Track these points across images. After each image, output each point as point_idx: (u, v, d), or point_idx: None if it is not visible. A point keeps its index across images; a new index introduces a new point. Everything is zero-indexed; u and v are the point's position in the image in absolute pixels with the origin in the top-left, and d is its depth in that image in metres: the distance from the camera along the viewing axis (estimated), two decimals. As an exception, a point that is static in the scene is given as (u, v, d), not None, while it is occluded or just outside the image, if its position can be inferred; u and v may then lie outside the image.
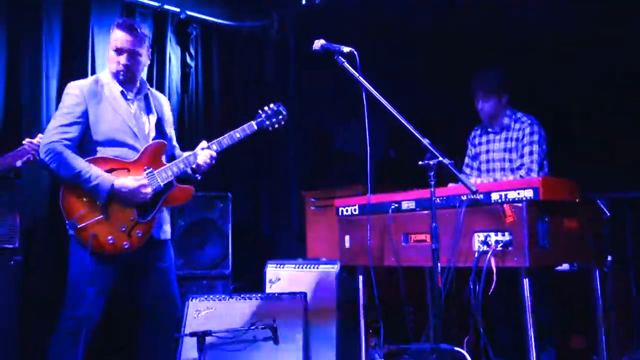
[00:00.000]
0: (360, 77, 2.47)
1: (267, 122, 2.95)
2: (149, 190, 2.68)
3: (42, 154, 2.64)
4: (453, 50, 4.50)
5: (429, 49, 4.68)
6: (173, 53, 4.86)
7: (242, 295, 3.33)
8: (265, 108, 2.97)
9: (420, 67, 4.81)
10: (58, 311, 2.69)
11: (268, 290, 3.76)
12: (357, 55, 2.48)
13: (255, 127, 2.92)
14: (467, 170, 3.67)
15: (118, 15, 4.42)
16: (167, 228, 2.90)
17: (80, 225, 2.61)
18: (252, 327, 3.12)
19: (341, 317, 3.48)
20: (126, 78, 2.78)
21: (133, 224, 2.68)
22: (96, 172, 2.62)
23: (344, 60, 2.51)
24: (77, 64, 4.16)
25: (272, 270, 3.80)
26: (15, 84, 3.94)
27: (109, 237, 2.63)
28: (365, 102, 2.45)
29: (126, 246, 2.66)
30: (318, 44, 2.56)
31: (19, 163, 2.93)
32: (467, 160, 3.70)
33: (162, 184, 2.75)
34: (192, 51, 4.96)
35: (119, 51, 2.75)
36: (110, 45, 2.78)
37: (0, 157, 2.88)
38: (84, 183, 2.60)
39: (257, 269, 3.91)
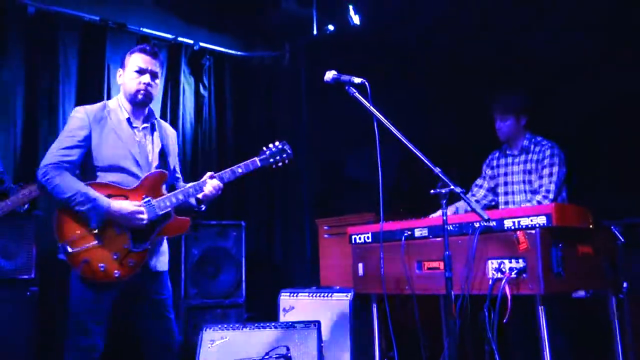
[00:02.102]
0: (372, 107, 2.51)
1: (271, 160, 2.94)
2: (145, 216, 2.65)
3: (40, 174, 2.61)
4: (465, 79, 4.55)
5: (441, 76, 4.73)
6: (187, 84, 4.96)
7: (256, 325, 3.33)
8: (270, 145, 2.96)
9: (432, 94, 4.86)
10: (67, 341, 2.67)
11: (282, 319, 3.75)
12: (368, 86, 2.52)
13: (259, 164, 2.92)
14: (475, 189, 3.68)
15: (133, 48, 4.53)
16: (164, 259, 2.85)
17: (72, 250, 2.56)
18: (266, 357, 3.11)
19: (355, 346, 3.46)
20: (145, 98, 2.78)
21: (125, 252, 2.64)
22: (93, 195, 2.58)
23: (355, 91, 2.56)
24: (93, 97, 4.23)
25: (286, 299, 3.80)
26: (34, 118, 4.05)
27: (100, 265, 2.58)
28: (376, 132, 2.49)
29: (117, 275, 2.60)
30: (330, 75, 2.61)
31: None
32: (478, 180, 3.71)
33: (159, 213, 2.71)
34: (206, 82, 5.06)
35: (142, 72, 2.77)
36: (129, 68, 2.79)
37: (20, 189, 2.90)
38: (79, 205, 2.55)
39: (271, 297, 3.91)
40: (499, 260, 2.47)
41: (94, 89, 4.32)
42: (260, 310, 4.27)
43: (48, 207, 3.78)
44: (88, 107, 2.79)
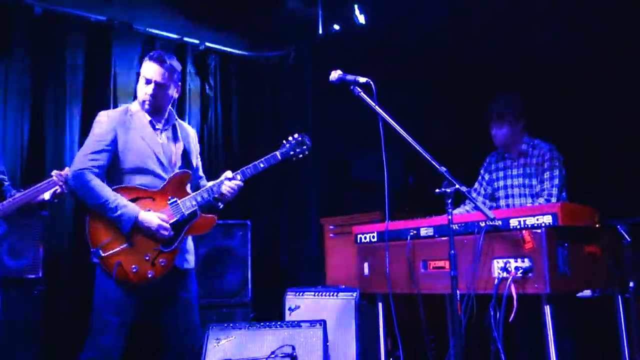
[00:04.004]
0: (377, 107, 2.51)
1: (292, 153, 3.00)
2: (167, 233, 2.71)
3: (71, 180, 2.70)
4: (466, 80, 4.54)
5: (442, 78, 4.73)
6: (193, 83, 4.98)
7: (261, 324, 3.35)
8: (290, 138, 3.02)
9: (434, 95, 4.86)
10: (81, 339, 2.71)
11: (288, 318, 3.77)
12: (373, 86, 2.52)
13: (279, 158, 2.97)
14: (474, 194, 3.66)
15: (139, 49, 4.56)
16: (191, 258, 2.92)
17: (105, 254, 2.64)
18: (272, 356, 3.12)
19: (361, 345, 3.46)
20: (151, 107, 2.83)
21: (157, 253, 2.71)
22: (122, 202, 2.65)
23: (360, 91, 2.56)
24: (99, 99, 4.28)
25: (291, 298, 3.81)
26: (41, 119, 4.08)
27: (133, 266, 2.66)
28: (382, 131, 2.49)
29: (150, 275, 2.68)
30: (335, 75, 2.62)
31: (47, 196, 2.94)
32: (476, 185, 3.69)
33: (185, 213, 2.78)
34: (211, 81, 5.08)
35: (147, 81, 2.82)
36: (142, 75, 2.84)
37: (28, 190, 2.91)
38: (109, 212, 2.64)
39: (277, 296, 3.92)
40: (504, 260, 2.47)
41: (100, 89, 4.34)
42: (266, 310, 4.28)
43: (57, 207, 3.82)
44: (111, 111, 2.90)
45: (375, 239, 3.05)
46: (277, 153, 2.98)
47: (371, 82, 2.53)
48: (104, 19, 4.42)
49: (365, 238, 3.09)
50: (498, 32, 4.22)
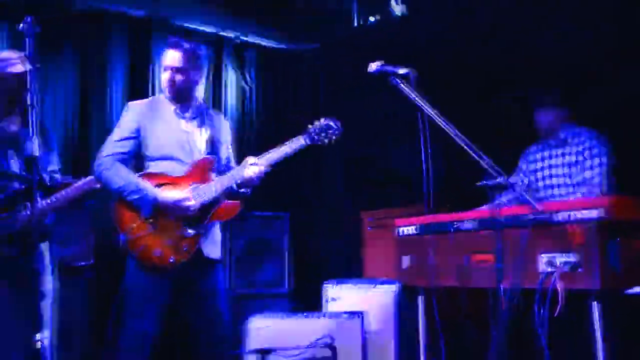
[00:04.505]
0: (417, 98, 2.48)
1: (316, 137, 2.89)
2: (192, 203, 2.72)
3: (95, 166, 2.78)
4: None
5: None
6: (230, 77, 5.03)
7: (301, 314, 3.37)
8: (315, 122, 2.93)
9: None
10: (121, 326, 2.76)
11: (326, 309, 3.78)
12: (412, 77, 2.49)
13: (303, 141, 2.87)
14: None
15: (178, 43, 4.62)
16: (217, 248, 2.90)
17: (130, 238, 2.70)
18: (311, 346, 3.15)
19: (400, 338, 3.45)
20: (173, 94, 2.84)
21: (179, 238, 2.72)
22: (142, 185, 2.70)
23: (400, 81, 2.53)
24: (140, 91, 4.36)
25: (330, 290, 3.82)
26: (86, 114, 4.22)
27: (156, 250, 2.69)
28: (422, 123, 2.46)
29: (171, 260, 2.69)
30: (374, 66, 2.59)
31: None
32: (513, 176, 3.61)
33: (208, 199, 2.78)
34: (248, 75, 5.11)
35: (165, 69, 2.85)
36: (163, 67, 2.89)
37: (75, 185, 2.96)
38: (130, 195, 2.69)
39: (316, 288, 3.93)
40: (551, 254, 2.41)
41: (141, 84, 4.44)
42: (305, 301, 4.30)
43: (103, 197, 3.91)
44: (138, 101, 2.94)
45: (416, 232, 3.02)
46: (301, 137, 2.88)
47: (410, 73, 2.50)
48: (143, 14, 4.50)
49: (406, 231, 3.07)
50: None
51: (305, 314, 3.37)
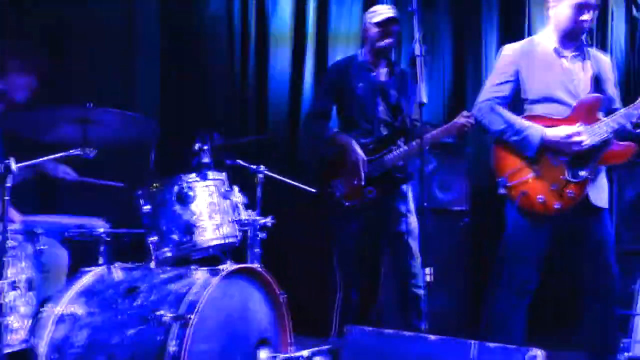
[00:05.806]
0: None
1: None
2: (583, 137, 2.51)
3: (475, 111, 2.77)
4: None
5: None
6: (616, 6, 4.43)
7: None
8: None
9: None
10: (501, 271, 2.74)
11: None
12: None
13: None
14: None
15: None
16: (604, 195, 2.65)
17: (510, 184, 2.60)
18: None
19: None
20: (582, 35, 2.68)
21: (564, 183, 2.54)
22: (525, 124, 2.60)
23: None
24: (514, 34, 4.22)
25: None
26: (460, 59, 4.37)
27: (539, 196, 2.55)
28: None
29: (557, 206, 2.53)
30: None
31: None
32: None
33: (596, 140, 2.53)
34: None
35: (580, 7, 2.63)
36: (566, 2, 2.66)
37: (436, 131, 3.03)
38: (512, 136, 2.60)
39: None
40: None
41: (515, 26, 4.33)
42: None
43: (478, 144, 4.01)
44: (514, 44, 2.85)
45: None
46: None
47: None
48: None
49: None
50: None
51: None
